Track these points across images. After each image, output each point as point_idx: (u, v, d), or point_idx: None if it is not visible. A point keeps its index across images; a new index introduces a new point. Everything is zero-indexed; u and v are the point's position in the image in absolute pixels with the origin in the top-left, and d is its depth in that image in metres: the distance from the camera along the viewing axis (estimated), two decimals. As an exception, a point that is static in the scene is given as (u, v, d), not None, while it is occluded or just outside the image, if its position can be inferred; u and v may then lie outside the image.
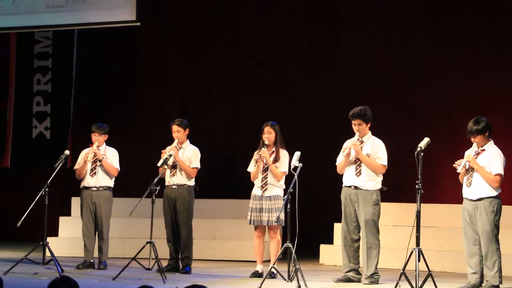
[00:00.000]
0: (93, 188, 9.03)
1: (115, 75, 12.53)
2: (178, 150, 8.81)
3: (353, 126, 8.09)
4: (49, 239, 9.99)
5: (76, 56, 12.57)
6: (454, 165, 7.56)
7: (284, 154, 8.36)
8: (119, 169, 9.14)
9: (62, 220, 11.16)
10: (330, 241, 10.37)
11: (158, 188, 8.38)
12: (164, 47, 12.46)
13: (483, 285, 7.37)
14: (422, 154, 7.15)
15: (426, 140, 7.30)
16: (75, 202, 11.16)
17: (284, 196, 8.13)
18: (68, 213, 11.34)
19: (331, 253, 10.15)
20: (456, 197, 9.80)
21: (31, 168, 12.61)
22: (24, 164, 12.79)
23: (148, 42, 12.52)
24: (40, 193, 8.53)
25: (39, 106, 12.72)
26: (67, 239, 10.81)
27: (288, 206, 7.59)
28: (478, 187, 7.44)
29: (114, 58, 12.52)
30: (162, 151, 8.84)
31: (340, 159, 8.12)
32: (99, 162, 9.02)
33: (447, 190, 10.25)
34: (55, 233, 10.98)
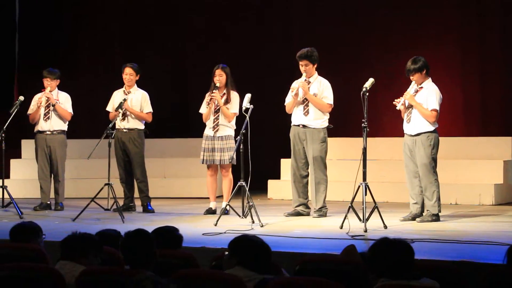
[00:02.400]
0: (47, 132, 9.20)
1: (60, 18, 12.48)
2: (126, 94, 8.98)
3: (300, 67, 8.41)
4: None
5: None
6: (394, 102, 7.98)
7: (234, 95, 8.65)
8: (72, 113, 9.31)
9: (13, 162, 11.28)
10: (277, 176, 10.81)
11: (114, 132, 8.61)
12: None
13: (424, 214, 7.90)
14: (367, 94, 7.53)
15: (370, 80, 7.67)
16: (26, 144, 11.30)
17: (235, 137, 8.48)
18: (18, 155, 11.45)
19: (279, 188, 10.59)
20: (394, 131, 10.33)
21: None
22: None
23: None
24: (-3, 138, 8.69)
25: (-18, 50, 12.60)
26: (19, 181, 10.95)
27: (241, 146, 7.92)
28: (416, 122, 7.89)
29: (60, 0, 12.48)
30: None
31: (288, 99, 8.46)
32: (52, 107, 9.17)
33: (386, 124, 10.72)
34: (6, 175, 11.07)
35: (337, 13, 11.32)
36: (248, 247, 3.97)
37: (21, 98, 9.05)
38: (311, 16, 11.47)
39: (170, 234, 4.55)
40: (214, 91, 8.61)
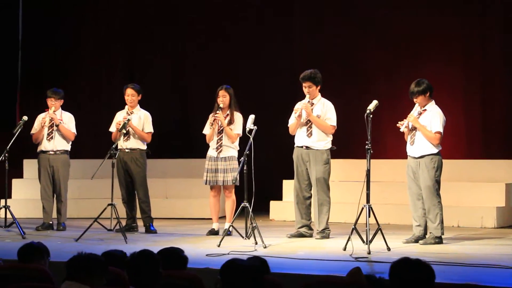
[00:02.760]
0: (51, 152, 9.22)
1: (64, 35, 12.54)
2: (129, 114, 9.01)
3: (303, 88, 8.45)
4: (1, 201, 10.17)
5: (22, 17, 12.50)
6: (397, 124, 8.01)
7: (238, 116, 8.68)
8: (75, 133, 9.33)
9: (15, 182, 11.28)
10: (279, 197, 10.81)
11: (117, 152, 8.63)
12: (113, 8, 12.54)
13: (426, 236, 7.89)
14: (371, 116, 7.55)
15: (374, 102, 7.70)
16: (28, 164, 11.30)
17: (238, 157, 8.49)
18: (20, 175, 11.45)
19: (281, 209, 10.59)
20: (397, 153, 10.35)
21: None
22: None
23: (95, 4, 12.59)
24: (0, 158, 8.70)
25: (-15, 69, 12.66)
26: (21, 200, 10.94)
27: (245, 167, 7.93)
28: (420, 145, 7.91)
29: (63, 18, 12.53)
30: (117, 123, 8.96)
31: (292, 121, 8.49)
32: (56, 127, 9.19)
33: (389, 146, 10.74)
34: (8, 195, 11.07)
35: (340, 36, 11.36)
36: (237, 272, 3.88)
37: (25, 118, 9.07)
38: (313, 39, 11.51)
39: (175, 255, 4.54)
40: (217, 111, 8.64)
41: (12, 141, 8.82)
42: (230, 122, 8.64)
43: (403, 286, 3.67)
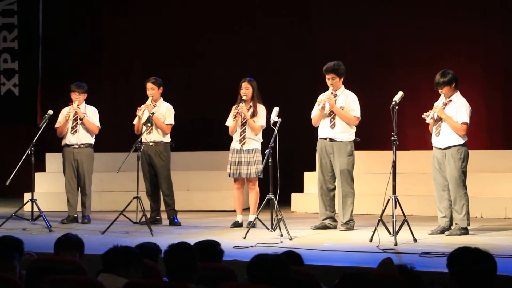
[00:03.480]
0: (75, 146, 9.27)
1: (82, 30, 12.59)
2: (153, 107, 9.04)
3: (327, 80, 8.44)
4: (26, 194, 10.25)
5: (42, 12, 12.56)
6: (423, 116, 7.98)
7: (261, 108, 8.68)
8: (99, 126, 9.38)
9: (38, 176, 11.31)
10: (300, 189, 10.81)
11: (142, 145, 8.67)
12: (130, 4, 12.57)
13: (452, 227, 7.88)
14: (397, 107, 7.54)
15: (400, 94, 7.68)
16: (50, 158, 11.38)
17: (262, 149, 8.50)
18: (42, 169, 11.52)
19: (303, 201, 10.60)
20: (418, 144, 10.33)
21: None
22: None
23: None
24: (27, 152, 8.78)
25: (6, 63, 12.74)
26: (44, 194, 10.99)
27: (270, 160, 7.94)
28: (446, 136, 7.89)
29: (81, 14, 12.58)
30: (138, 108, 9.07)
31: (315, 112, 8.48)
32: (80, 121, 9.24)
33: (410, 137, 10.71)
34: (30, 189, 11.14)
35: (363, 27, 11.33)
36: (261, 267, 3.85)
37: (50, 112, 9.12)
38: (337, 29, 11.48)
39: (211, 248, 4.57)
40: (240, 104, 8.64)
41: (38, 135, 8.88)
42: (253, 114, 8.65)
43: (464, 276, 3.57)
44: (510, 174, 9.91)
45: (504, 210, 9.56)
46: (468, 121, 7.86)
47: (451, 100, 7.92)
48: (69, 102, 9.34)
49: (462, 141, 7.86)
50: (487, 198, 9.68)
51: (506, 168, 10.07)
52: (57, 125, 9.34)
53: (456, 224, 7.85)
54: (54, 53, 12.61)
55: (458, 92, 7.98)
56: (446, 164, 7.85)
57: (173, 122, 9.11)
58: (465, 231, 7.78)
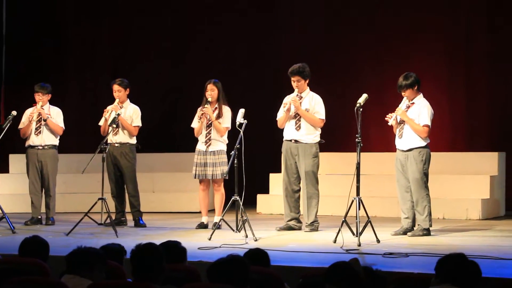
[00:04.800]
0: (39, 147, 9.21)
1: (47, 31, 12.50)
2: (119, 109, 9.02)
3: (292, 82, 8.50)
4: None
5: (6, 11, 12.43)
6: (386, 118, 8.08)
7: (226, 110, 8.71)
8: (63, 127, 9.33)
9: (1, 177, 11.23)
10: (266, 191, 10.86)
11: (107, 146, 8.65)
12: (95, 5, 12.52)
13: (415, 228, 7.99)
14: (361, 109, 7.62)
15: (364, 96, 7.76)
16: (13, 159, 11.28)
17: (227, 151, 8.53)
18: (5, 170, 11.42)
19: (268, 202, 10.66)
20: (383, 146, 10.44)
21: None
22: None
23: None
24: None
25: (-32, 64, 12.59)
26: (7, 195, 10.87)
27: (235, 161, 7.97)
28: (408, 138, 8.00)
29: (47, 12, 12.49)
30: (104, 110, 9.05)
31: (280, 114, 8.53)
32: (44, 122, 9.18)
33: (374, 139, 10.81)
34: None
35: (328, 28, 11.43)
36: (219, 268, 3.92)
37: (14, 112, 9.04)
38: (302, 33, 11.56)
39: (175, 248, 4.59)
40: (205, 105, 8.66)
41: (1, 136, 8.78)
42: (219, 116, 8.68)
43: (450, 281, 3.85)
44: (472, 176, 10.08)
45: (465, 212, 9.71)
46: (429, 124, 7.98)
47: (413, 103, 8.03)
48: (33, 103, 9.28)
49: (424, 143, 7.97)
50: (449, 200, 9.83)
51: (468, 170, 10.23)
52: (20, 126, 9.27)
53: (418, 225, 7.95)
54: (17, 53, 12.48)
55: (421, 95, 8.09)
56: (408, 166, 7.96)
57: (140, 124, 9.11)
58: (427, 232, 7.89)
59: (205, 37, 12.10)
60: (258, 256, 4.55)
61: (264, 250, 4.65)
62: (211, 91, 8.69)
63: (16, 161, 11.08)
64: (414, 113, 7.98)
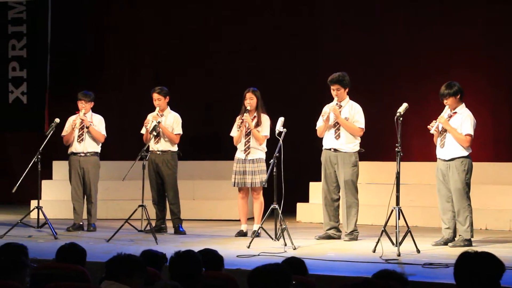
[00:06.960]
0: (81, 154, 9.34)
1: (91, 39, 12.68)
2: (160, 117, 9.10)
3: (331, 91, 8.49)
4: (32, 202, 10.30)
5: (51, 21, 12.65)
6: (428, 126, 8.01)
7: (265, 118, 8.73)
8: (105, 135, 9.45)
9: (44, 183, 11.39)
10: (306, 199, 10.84)
11: (148, 154, 8.73)
12: (138, 11, 12.65)
13: (456, 239, 7.90)
14: (401, 119, 7.57)
15: (404, 105, 7.71)
16: (57, 165, 11.44)
17: (266, 159, 8.55)
18: (49, 176, 11.58)
19: (308, 211, 10.63)
20: (423, 156, 10.35)
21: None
22: (2, 129, 12.95)
23: (122, 6, 12.71)
24: (34, 160, 8.86)
25: (15, 71, 12.83)
26: (50, 201, 11.06)
27: (274, 169, 7.98)
28: (450, 147, 7.91)
29: (90, 23, 12.67)
30: (145, 121, 9.10)
31: (319, 124, 8.52)
32: (86, 129, 9.31)
33: (415, 149, 10.74)
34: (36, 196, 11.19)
35: (368, 37, 11.39)
36: (260, 278, 3.84)
37: (57, 120, 9.20)
38: (342, 41, 11.54)
39: (212, 256, 4.60)
40: (244, 114, 8.70)
41: (44, 143, 8.95)
42: (258, 124, 8.70)
43: (469, 279, 3.70)
44: (515, 186, 9.92)
45: (508, 223, 9.56)
46: (472, 133, 7.89)
47: (456, 112, 7.95)
48: (76, 110, 9.42)
49: (466, 153, 7.89)
50: (491, 210, 9.69)
51: (511, 180, 10.08)
52: (63, 133, 9.42)
53: (459, 235, 7.86)
54: (62, 61, 12.68)
55: (463, 104, 8.00)
56: (450, 176, 7.88)
57: (181, 132, 9.17)
58: (468, 243, 7.80)
59: (247, 46, 12.12)
60: (295, 264, 4.55)
61: (301, 258, 4.64)
62: (250, 100, 8.72)
63: (59, 168, 11.24)
64: (457, 123, 7.90)
